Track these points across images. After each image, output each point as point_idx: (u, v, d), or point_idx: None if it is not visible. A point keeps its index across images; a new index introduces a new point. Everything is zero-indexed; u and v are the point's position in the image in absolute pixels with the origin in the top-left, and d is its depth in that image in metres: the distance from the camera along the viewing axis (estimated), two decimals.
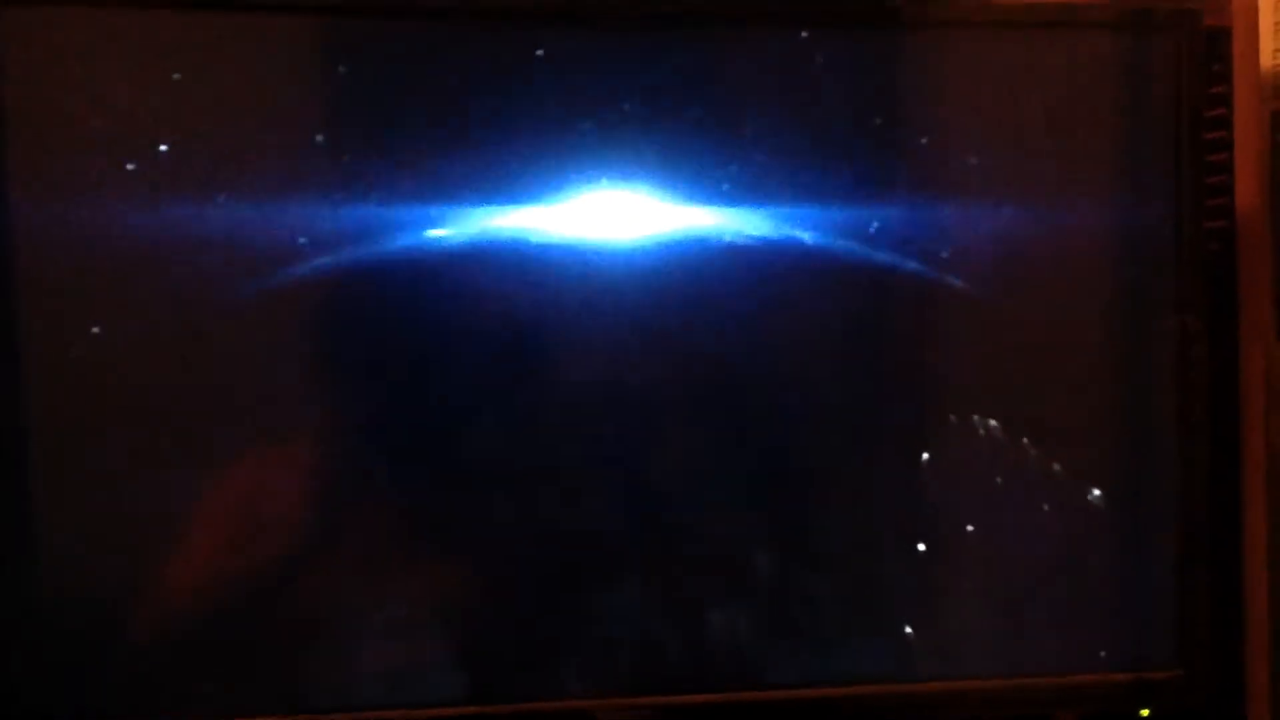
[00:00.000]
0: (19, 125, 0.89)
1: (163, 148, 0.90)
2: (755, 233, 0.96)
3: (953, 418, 1.01)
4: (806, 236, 0.97)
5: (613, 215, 0.95)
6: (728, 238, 0.96)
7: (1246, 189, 1.08)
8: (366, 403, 0.95)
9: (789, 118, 0.97)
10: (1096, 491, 1.02)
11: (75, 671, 0.92)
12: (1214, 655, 1.03)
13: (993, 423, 1.01)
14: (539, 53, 0.94)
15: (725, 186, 0.96)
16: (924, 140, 0.99)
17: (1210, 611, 1.02)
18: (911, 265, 0.98)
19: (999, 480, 1.01)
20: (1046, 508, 1.02)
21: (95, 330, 0.90)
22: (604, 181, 0.95)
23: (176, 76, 0.90)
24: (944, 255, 0.99)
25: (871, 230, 0.98)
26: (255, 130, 0.91)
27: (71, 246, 0.89)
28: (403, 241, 0.93)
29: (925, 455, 1.01)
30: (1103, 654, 1.03)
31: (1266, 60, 1.08)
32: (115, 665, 0.92)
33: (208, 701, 0.93)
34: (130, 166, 0.90)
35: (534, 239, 0.94)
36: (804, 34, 0.97)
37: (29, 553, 0.90)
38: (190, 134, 0.90)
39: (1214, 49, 1.08)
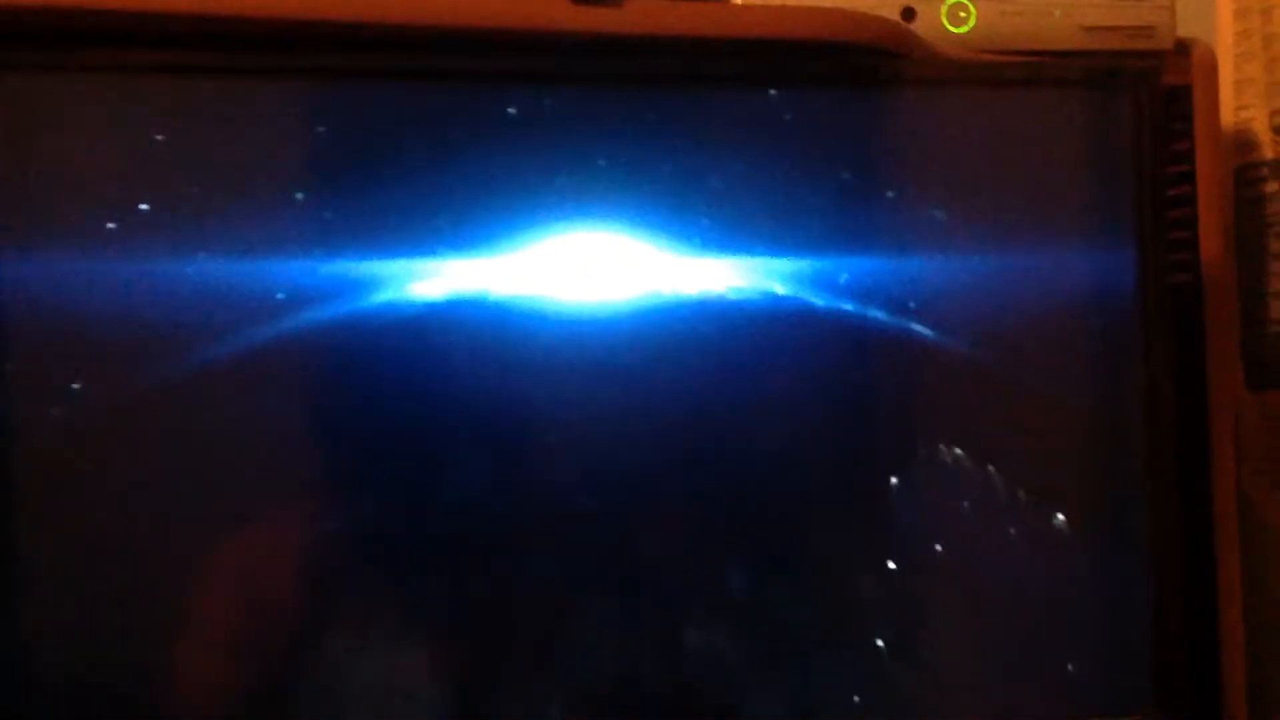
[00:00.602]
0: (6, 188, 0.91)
1: (143, 206, 0.92)
2: (730, 287, 0.98)
3: (921, 468, 1.01)
4: (778, 290, 0.99)
5: (588, 272, 0.97)
6: (702, 292, 0.98)
7: (1210, 245, 1.10)
8: (352, 456, 0.96)
9: (760, 175, 0.99)
10: (1069, 541, 1.03)
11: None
12: (1192, 701, 1.03)
13: (961, 473, 1.01)
14: (510, 111, 0.96)
15: (699, 241, 0.98)
16: (889, 195, 1.01)
17: (1188, 658, 1.02)
18: (879, 317, 1.00)
19: (970, 532, 1.02)
20: (1018, 556, 1.02)
21: (75, 386, 0.91)
22: (580, 238, 0.97)
23: (159, 138, 0.92)
24: (911, 306, 1.00)
25: (840, 283, 0.99)
26: (235, 190, 0.93)
27: (48, 303, 0.91)
28: (377, 302, 0.94)
29: (897, 506, 1.01)
30: (1078, 702, 1.02)
31: (1228, 117, 1.11)
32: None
33: None
34: (111, 226, 0.91)
35: (509, 297, 0.96)
36: (772, 92, 0.99)
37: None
38: (171, 194, 0.92)
39: (1174, 106, 1.10)
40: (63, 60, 0.92)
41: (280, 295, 0.93)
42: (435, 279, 0.95)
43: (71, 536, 0.91)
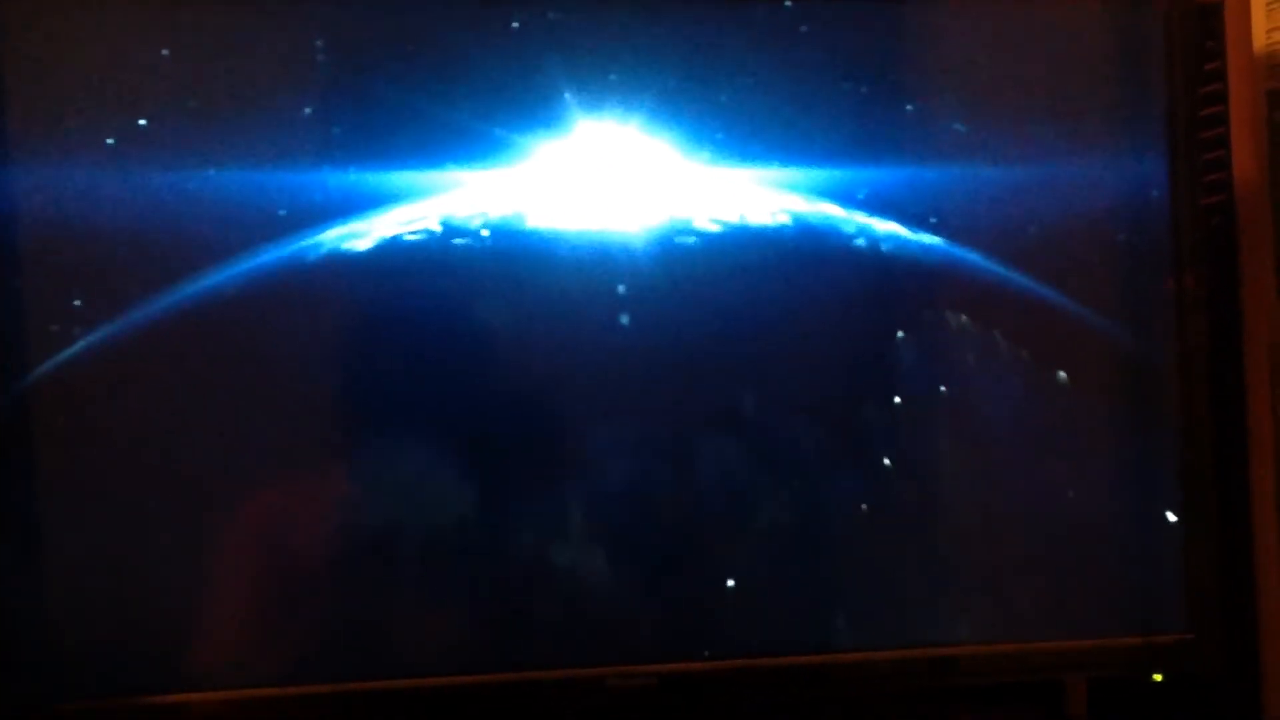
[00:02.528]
0: (19, 103, 0.90)
1: (151, 122, 0.91)
2: (744, 201, 0.96)
3: (959, 382, 1.00)
4: (795, 204, 0.97)
5: (596, 185, 0.95)
6: (713, 204, 0.96)
7: (1244, 166, 1.07)
8: (373, 385, 0.95)
9: (777, 87, 0.97)
10: (1104, 456, 1.02)
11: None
12: (1225, 619, 1.01)
13: (1001, 388, 1.00)
14: (514, 25, 0.95)
15: (708, 156, 0.96)
16: (911, 108, 0.99)
17: (1220, 574, 1.00)
18: (899, 231, 0.98)
19: (1007, 447, 1.00)
20: (1054, 474, 1.01)
21: (76, 303, 0.90)
22: (587, 151, 0.95)
23: (165, 53, 0.91)
24: (932, 221, 0.98)
25: (859, 197, 0.97)
26: (242, 105, 0.92)
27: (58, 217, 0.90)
28: (384, 213, 0.93)
29: (932, 424, 1.00)
30: (1112, 618, 1.01)
31: (1260, 41, 1.08)
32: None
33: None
34: (119, 141, 0.91)
35: (516, 210, 0.94)
36: (788, 4, 0.97)
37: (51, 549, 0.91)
38: (177, 109, 0.91)
39: (1206, 25, 1.08)
40: None
41: (282, 211, 0.92)
42: (439, 193, 0.93)
43: (82, 450, 0.91)
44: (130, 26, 0.91)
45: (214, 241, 0.91)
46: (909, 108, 0.99)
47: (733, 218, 0.96)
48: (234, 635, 0.93)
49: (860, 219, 0.97)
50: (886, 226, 0.98)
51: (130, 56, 0.91)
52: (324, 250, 0.92)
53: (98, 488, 0.91)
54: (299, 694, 0.93)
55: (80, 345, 0.90)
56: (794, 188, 0.97)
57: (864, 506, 0.99)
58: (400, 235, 0.93)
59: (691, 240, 0.96)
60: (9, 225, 0.89)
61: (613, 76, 0.95)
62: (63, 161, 0.90)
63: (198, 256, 0.91)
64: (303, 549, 0.95)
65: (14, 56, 0.90)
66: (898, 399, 1.00)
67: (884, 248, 0.98)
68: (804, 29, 0.97)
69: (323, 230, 0.92)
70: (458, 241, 0.94)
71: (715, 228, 0.96)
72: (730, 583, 0.98)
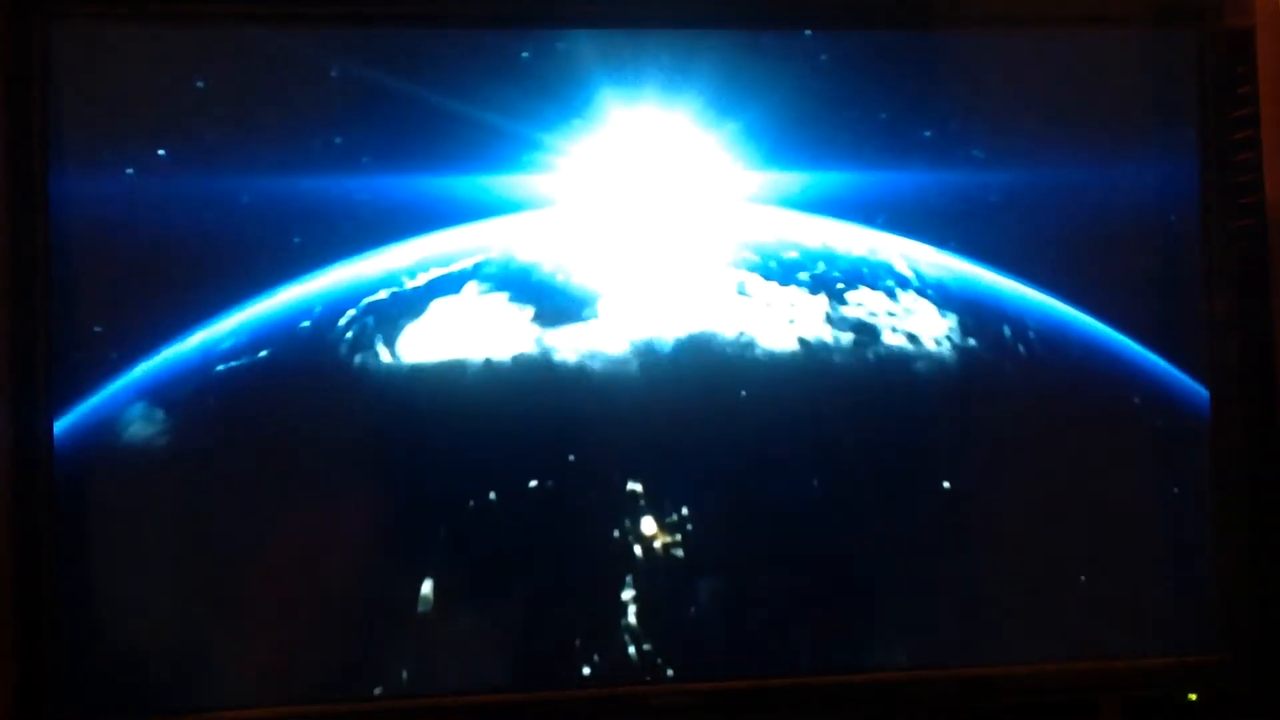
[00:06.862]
0: (66, 128, 0.93)
1: (189, 150, 0.94)
2: (772, 226, 0.99)
3: (994, 407, 1.01)
4: (826, 227, 0.99)
5: (614, 216, 0.98)
6: (737, 231, 0.99)
7: (1276, 189, 1.08)
8: (407, 423, 0.97)
9: (807, 111, 0.99)
10: (1140, 479, 1.03)
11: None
12: (1261, 639, 1.01)
13: (1036, 412, 1.02)
14: (524, 55, 0.97)
15: (730, 179, 0.98)
16: (947, 132, 1.00)
17: (1256, 595, 1.01)
18: (939, 253, 1.00)
19: (1043, 470, 1.02)
20: (1091, 496, 1.02)
21: (97, 329, 0.93)
22: (596, 180, 0.98)
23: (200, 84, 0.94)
24: (966, 242, 1.00)
25: (880, 220, 0.99)
26: (270, 135, 0.95)
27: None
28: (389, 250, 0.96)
29: (967, 449, 1.02)
30: (1148, 638, 1.01)
31: None
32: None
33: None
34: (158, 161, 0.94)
35: (533, 240, 0.97)
36: (808, 33, 0.99)
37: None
38: (212, 138, 0.94)
39: (1237, 49, 1.08)
40: (114, 9, 0.94)
41: (297, 239, 0.94)
42: (450, 223, 0.96)
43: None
44: (167, 60, 0.94)
45: (240, 267, 0.94)
46: (943, 133, 1.00)
47: (764, 245, 0.98)
48: (273, 655, 0.95)
49: (889, 240, 0.99)
50: (920, 249, 0.99)
51: (168, 87, 0.94)
52: (346, 283, 0.95)
53: (142, 511, 0.94)
54: (342, 711, 0.94)
55: (112, 367, 0.93)
56: (826, 210, 0.99)
57: (902, 530, 1.00)
58: (417, 267, 0.96)
59: (720, 269, 0.98)
60: (43, 249, 0.92)
61: (625, 104, 0.97)
62: (108, 180, 0.93)
63: (226, 281, 0.94)
64: (345, 571, 0.97)
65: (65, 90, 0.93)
66: (933, 425, 1.02)
67: (919, 271, 1.00)
68: (823, 58, 0.99)
69: (346, 260, 0.95)
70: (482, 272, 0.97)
71: (744, 255, 0.98)
72: (771, 603, 0.99)
